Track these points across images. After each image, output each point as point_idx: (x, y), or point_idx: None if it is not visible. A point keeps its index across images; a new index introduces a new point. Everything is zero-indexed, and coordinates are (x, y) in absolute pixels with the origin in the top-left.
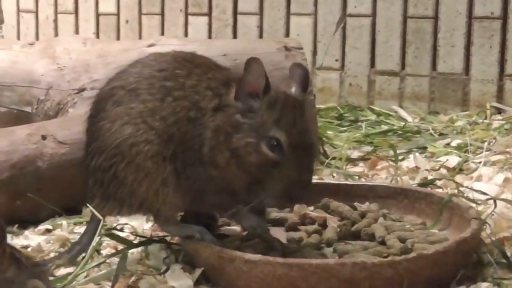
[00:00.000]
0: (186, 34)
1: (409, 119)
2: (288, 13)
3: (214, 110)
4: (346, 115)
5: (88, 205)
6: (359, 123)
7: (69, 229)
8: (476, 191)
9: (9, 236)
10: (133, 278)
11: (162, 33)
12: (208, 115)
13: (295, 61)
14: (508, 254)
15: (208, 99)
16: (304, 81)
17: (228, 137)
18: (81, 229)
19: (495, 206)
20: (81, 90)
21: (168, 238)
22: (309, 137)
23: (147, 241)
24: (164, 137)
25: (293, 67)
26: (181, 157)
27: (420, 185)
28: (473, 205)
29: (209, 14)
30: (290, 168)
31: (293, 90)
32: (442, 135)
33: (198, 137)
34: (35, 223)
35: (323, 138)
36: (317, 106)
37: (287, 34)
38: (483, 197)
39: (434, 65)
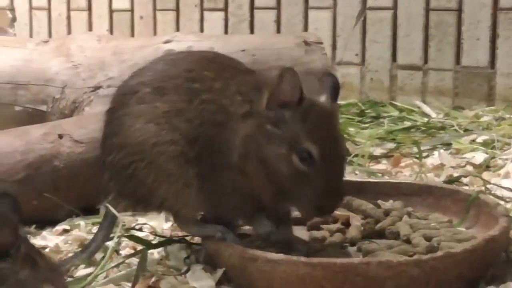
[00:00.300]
0: (201, 30)
1: (433, 114)
2: (306, 7)
3: (244, 116)
4: (367, 111)
5: (105, 204)
6: (381, 119)
7: (87, 229)
8: (504, 188)
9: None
10: (153, 279)
11: (177, 29)
12: (238, 121)
13: (315, 56)
14: None
15: (237, 104)
16: (335, 91)
17: (259, 146)
18: None
19: None
20: (97, 88)
21: (188, 238)
22: (341, 149)
23: (166, 241)
24: (189, 139)
25: (323, 76)
26: (206, 160)
27: (445, 182)
28: (501, 202)
29: (225, 9)
30: (321, 180)
31: (324, 99)
32: (467, 131)
33: (225, 142)
34: (53, 223)
35: (345, 135)
36: (338, 102)
37: (305, 28)
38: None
39: (458, 59)
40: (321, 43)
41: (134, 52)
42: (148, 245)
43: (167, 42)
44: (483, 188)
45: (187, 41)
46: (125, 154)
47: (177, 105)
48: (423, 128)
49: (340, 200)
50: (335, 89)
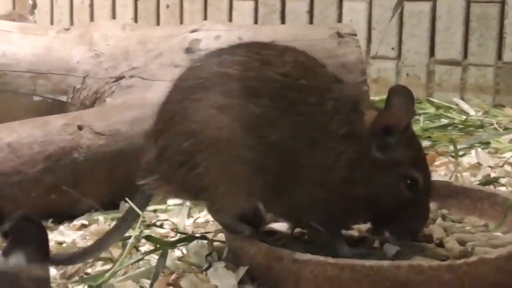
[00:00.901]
0: (230, 20)
1: (472, 112)
2: None
3: (346, 137)
4: None
5: (127, 200)
6: (417, 117)
7: (106, 224)
8: None
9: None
10: (173, 276)
11: (205, 19)
12: (338, 141)
13: (348, 48)
14: None
15: (337, 123)
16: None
17: (365, 172)
18: None
19: None
20: (120, 78)
21: (210, 235)
22: (430, 175)
23: (188, 238)
24: (274, 151)
25: (393, 93)
26: (290, 176)
27: (482, 183)
28: None
29: None
30: (420, 206)
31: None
32: (507, 129)
33: (321, 161)
34: (71, 218)
35: None
36: (371, 98)
37: (339, 20)
38: None
39: (499, 54)
40: (355, 35)
41: (160, 42)
42: (168, 244)
43: (194, 31)
44: None
45: (215, 30)
46: (193, 142)
47: (270, 111)
48: (461, 126)
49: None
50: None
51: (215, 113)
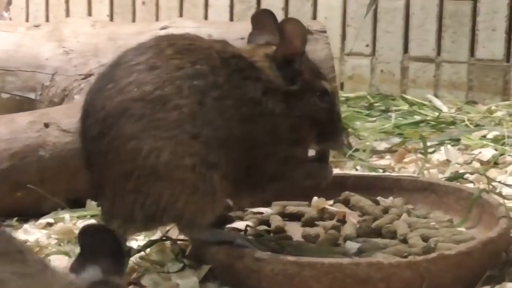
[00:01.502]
0: (206, 16)
1: (445, 109)
2: None
3: (264, 94)
4: (376, 104)
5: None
6: (390, 113)
7: (72, 222)
8: (509, 186)
9: (8, 230)
10: (135, 275)
11: (181, 15)
12: (264, 103)
13: (318, 45)
14: None
15: (251, 88)
16: None
17: (296, 110)
18: (85, 223)
19: None
20: (89, 75)
21: (174, 236)
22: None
23: (151, 241)
24: (213, 144)
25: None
26: (245, 157)
27: (449, 179)
28: (504, 201)
29: None
30: (336, 111)
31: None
32: (478, 126)
33: (263, 128)
34: (37, 216)
35: (349, 129)
36: (346, 94)
37: (314, 16)
38: None
39: (472, 51)
40: (325, 31)
41: (130, 39)
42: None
43: (164, 28)
44: (487, 186)
45: (185, 27)
46: (135, 179)
47: (186, 109)
48: (433, 123)
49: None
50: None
51: (134, 144)
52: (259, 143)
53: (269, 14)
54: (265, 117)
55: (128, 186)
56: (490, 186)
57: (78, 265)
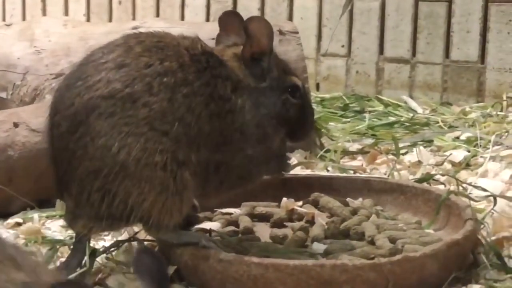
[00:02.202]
0: (182, 16)
1: (419, 110)
2: None
3: (234, 92)
4: (352, 105)
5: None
6: (365, 114)
7: (40, 222)
8: (477, 187)
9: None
10: (100, 275)
11: (157, 15)
12: (233, 100)
13: (289, 46)
14: (506, 255)
15: (221, 86)
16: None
17: (265, 107)
18: (54, 223)
19: (495, 204)
20: (60, 75)
21: (142, 237)
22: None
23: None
24: (183, 141)
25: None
26: (214, 154)
27: (419, 180)
28: (472, 203)
29: None
30: (309, 106)
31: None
32: (451, 127)
33: (232, 125)
34: (5, 216)
35: (322, 130)
36: (321, 95)
37: (290, 17)
38: (485, 194)
39: (447, 53)
40: (297, 32)
41: (101, 38)
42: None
43: (135, 28)
44: (458, 187)
45: (156, 27)
46: (103, 177)
47: (156, 106)
48: (407, 124)
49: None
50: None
51: (104, 141)
52: (228, 140)
53: (235, 15)
54: (235, 114)
55: (95, 184)
56: (460, 188)
57: None
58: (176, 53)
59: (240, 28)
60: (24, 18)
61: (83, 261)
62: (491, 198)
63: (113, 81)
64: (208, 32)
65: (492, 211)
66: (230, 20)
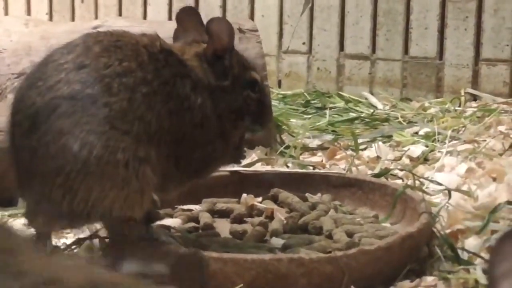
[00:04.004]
0: (145, 14)
1: (380, 106)
2: None
3: (193, 90)
4: (313, 101)
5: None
6: (326, 110)
7: (3, 221)
8: (432, 181)
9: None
10: None
11: (120, 13)
12: (192, 99)
13: (249, 44)
14: (460, 247)
15: (180, 85)
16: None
17: (226, 103)
18: (16, 221)
19: (449, 198)
20: (22, 74)
21: (102, 234)
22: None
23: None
24: (143, 139)
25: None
26: (174, 150)
27: (376, 175)
28: (428, 197)
29: None
30: (266, 97)
31: None
32: (410, 123)
33: (191, 122)
34: None
35: (283, 126)
36: (283, 92)
37: (251, 15)
38: (441, 188)
39: (406, 49)
40: (256, 30)
41: (63, 37)
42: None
43: (96, 27)
44: (414, 182)
45: (117, 26)
46: (64, 175)
47: (117, 106)
48: (367, 120)
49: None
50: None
51: (65, 140)
52: (188, 136)
53: (192, 11)
54: (194, 111)
55: (57, 182)
56: (417, 182)
57: None
58: (134, 52)
59: (197, 24)
60: None
61: None
62: (447, 191)
63: (73, 82)
64: (169, 30)
65: (447, 204)
66: (187, 16)
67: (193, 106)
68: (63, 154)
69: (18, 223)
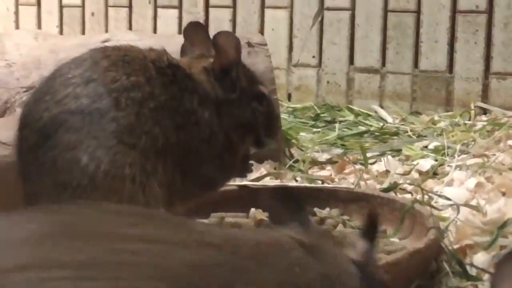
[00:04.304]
0: (155, 28)
1: (389, 119)
2: (263, 6)
3: (200, 104)
4: (323, 115)
5: None
6: (335, 124)
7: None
8: (441, 196)
9: None
10: None
11: (130, 27)
12: (199, 113)
13: (258, 58)
14: (468, 262)
15: (187, 99)
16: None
17: (234, 117)
18: None
19: (458, 213)
20: (31, 88)
21: None
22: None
23: None
24: (150, 153)
25: (217, 39)
26: (181, 164)
27: (385, 190)
28: (437, 211)
29: (179, 6)
30: (273, 111)
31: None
32: (420, 137)
33: (198, 137)
34: None
35: (292, 140)
36: (293, 105)
37: (261, 28)
38: (450, 203)
39: (416, 62)
40: (265, 44)
41: (72, 51)
42: None
43: (105, 41)
44: (423, 196)
45: (126, 40)
46: (71, 190)
47: (124, 120)
48: (377, 134)
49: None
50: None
51: (72, 154)
52: (195, 151)
53: (199, 26)
54: (201, 126)
55: (64, 196)
56: (426, 197)
57: None
58: (142, 66)
59: (204, 39)
60: None
61: None
62: (456, 206)
63: (81, 96)
64: (178, 44)
65: (456, 219)
66: (194, 31)
67: (200, 120)
68: (70, 168)
69: None
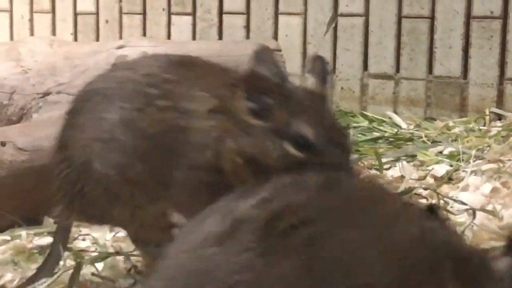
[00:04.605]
0: (169, 35)
1: (404, 125)
2: (277, 12)
3: (211, 112)
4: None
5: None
6: (349, 130)
7: (28, 240)
8: (456, 201)
9: None
10: None
11: (144, 34)
12: (203, 119)
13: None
14: None
15: (200, 100)
16: (324, 74)
17: (239, 142)
18: (41, 240)
19: (474, 218)
20: (46, 94)
21: (128, 250)
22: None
23: (104, 254)
24: (139, 153)
25: (311, 60)
26: (168, 168)
27: (400, 195)
28: (453, 216)
29: (193, 13)
30: (323, 163)
31: (312, 83)
32: (434, 142)
33: (189, 145)
34: None
35: None
36: None
37: (275, 34)
38: (466, 208)
39: (430, 68)
40: (280, 50)
41: (86, 58)
42: (80, 258)
43: (120, 47)
44: (439, 201)
45: (140, 46)
46: (73, 169)
47: (126, 113)
48: (391, 139)
49: None
50: (324, 72)
51: (79, 136)
52: (182, 158)
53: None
54: (195, 134)
55: (71, 175)
56: (441, 202)
57: None
58: (190, 69)
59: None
60: (12, 37)
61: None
62: (471, 211)
63: (110, 78)
64: (191, 51)
65: (472, 224)
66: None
67: (203, 127)
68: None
69: (43, 241)
